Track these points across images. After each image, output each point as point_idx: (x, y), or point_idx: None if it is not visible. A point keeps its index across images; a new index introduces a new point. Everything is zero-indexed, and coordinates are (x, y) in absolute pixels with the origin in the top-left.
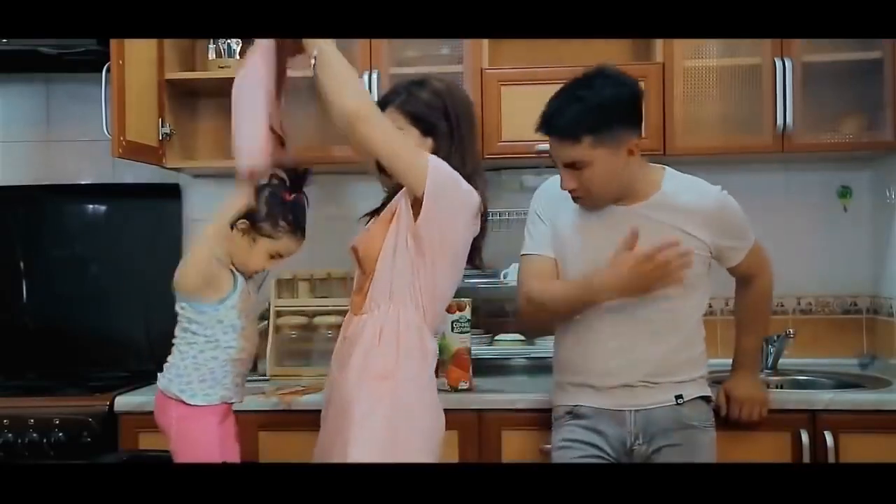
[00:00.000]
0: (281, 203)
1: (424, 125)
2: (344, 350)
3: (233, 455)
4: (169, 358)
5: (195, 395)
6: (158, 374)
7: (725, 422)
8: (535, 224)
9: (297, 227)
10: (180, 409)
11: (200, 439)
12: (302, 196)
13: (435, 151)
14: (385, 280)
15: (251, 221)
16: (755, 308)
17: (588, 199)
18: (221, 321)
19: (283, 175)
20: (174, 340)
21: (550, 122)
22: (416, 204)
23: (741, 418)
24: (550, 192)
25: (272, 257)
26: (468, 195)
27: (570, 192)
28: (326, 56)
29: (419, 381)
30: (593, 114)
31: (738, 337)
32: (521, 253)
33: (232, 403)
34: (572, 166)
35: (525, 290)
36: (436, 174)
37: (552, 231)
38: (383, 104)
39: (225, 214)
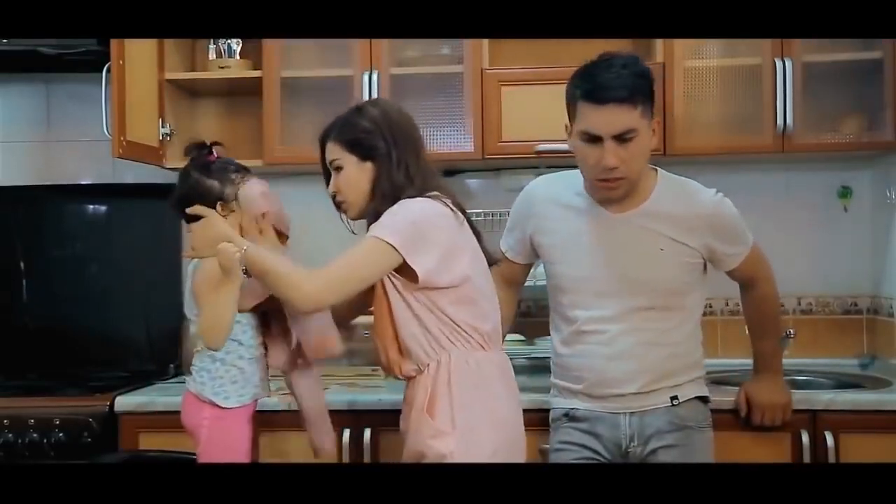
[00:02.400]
0: (217, 166)
1: (361, 151)
2: (405, 412)
3: (253, 455)
4: (196, 362)
5: (229, 398)
6: (187, 377)
7: (747, 423)
8: (509, 231)
9: (241, 169)
10: (214, 411)
11: (232, 441)
12: (214, 147)
13: (377, 174)
14: (416, 342)
15: (220, 202)
16: (761, 312)
17: (623, 182)
18: (239, 321)
19: (192, 153)
20: (197, 347)
21: (610, 87)
22: (402, 269)
23: (764, 423)
24: (542, 194)
25: (264, 196)
26: (427, 208)
27: (610, 170)
28: (251, 261)
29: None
30: (643, 80)
31: (752, 340)
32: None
33: (258, 400)
34: (620, 138)
35: None
36: (393, 234)
37: (538, 237)
38: (323, 139)
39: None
